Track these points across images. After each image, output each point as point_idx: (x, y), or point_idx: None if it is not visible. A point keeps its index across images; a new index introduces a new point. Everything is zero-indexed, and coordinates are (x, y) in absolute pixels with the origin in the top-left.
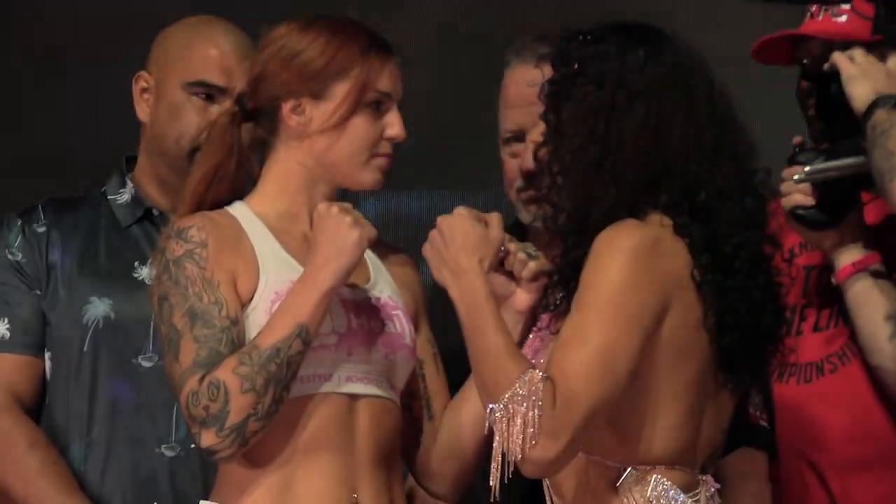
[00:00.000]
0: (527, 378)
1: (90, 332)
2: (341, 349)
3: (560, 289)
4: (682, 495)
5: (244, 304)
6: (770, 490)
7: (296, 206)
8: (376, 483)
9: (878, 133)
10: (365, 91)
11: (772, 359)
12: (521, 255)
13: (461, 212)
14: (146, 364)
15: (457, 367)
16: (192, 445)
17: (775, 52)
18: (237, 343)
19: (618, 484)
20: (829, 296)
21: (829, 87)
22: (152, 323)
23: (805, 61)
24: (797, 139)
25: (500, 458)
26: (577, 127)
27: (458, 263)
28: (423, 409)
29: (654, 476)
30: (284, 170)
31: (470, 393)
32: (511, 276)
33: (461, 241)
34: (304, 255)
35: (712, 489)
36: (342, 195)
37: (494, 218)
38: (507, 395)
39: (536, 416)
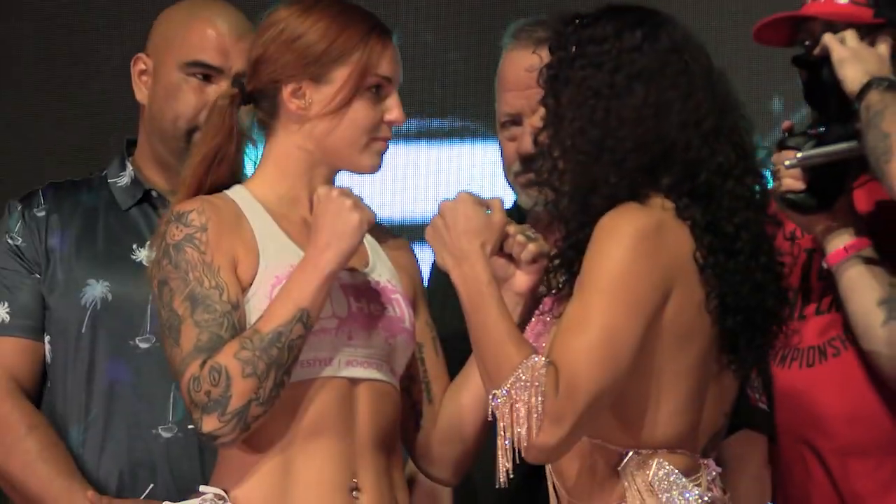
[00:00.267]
0: (529, 364)
1: (88, 313)
2: (341, 333)
3: (563, 272)
4: (683, 479)
5: (244, 289)
6: (769, 473)
7: (295, 190)
8: (376, 467)
9: (872, 114)
10: (365, 75)
11: (776, 340)
12: (521, 238)
13: (463, 196)
14: (143, 346)
15: (456, 351)
16: (190, 427)
17: (777, 33)
18: (238, 327)
19: (619, 468)
20: (831, 279)
21: (820, 71)
22: (149, 305)
23: (806, 43)
24: (787, 123)
25: (504, 445)
26: (577, 110)
27: (460, 248)
28: (423, 393)
29: (656, 460)
30: (284, 153)
31: (470, 376)
32: (510, 258)
33: (463, 225)
34: (304, 238)
35: (714, 473)
36: None
37: (497, 202)
38: (509, 382)
39: (539, 403)
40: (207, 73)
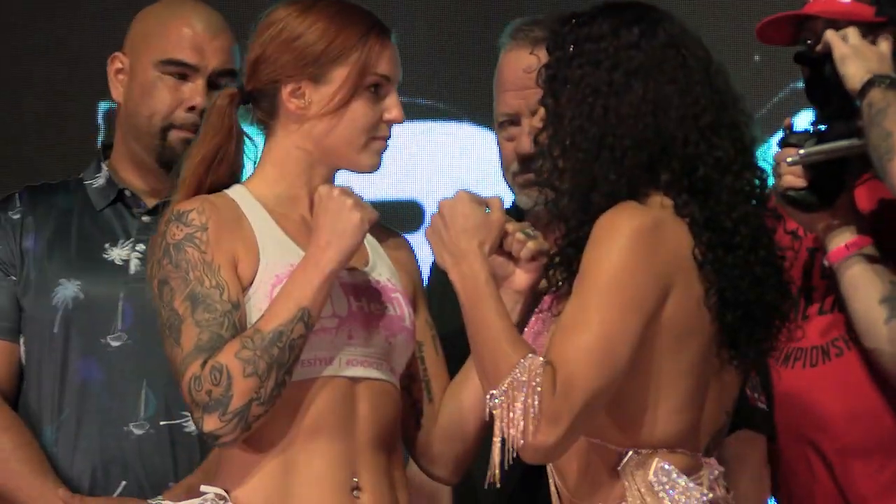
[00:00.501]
0: (527, 363)
1: (59, 313)
2: (341, 332)
3: (563, 270)
4: (683, 478)
5: (245, 288)
6: (769, 472)
7: (295, 189)
8: (377, 466)
9: (874, 112)
10: (364, 75)
11: (778, 334)
12: (520, 236)
13: (462, 195)
14: (115, 343)
15: (456, 349)
16: (161, 423)
17: (779, 32)
18: (239, 327)
19: (619, 467)
20: (833, 279)
21: (822, 69)
22: (120, 303)
23: (809, 41)
24: (788, 120)
25: (500, 445)
26: (576, 109)
27: (458, 247)
28: (423, 392)
29: (656, 459)
30: (283, 153)
31: (470, 374)
32: (510, 256)
33: (461, 223)
34: (304, 238)
35: (716, 471)
36: None
37: (496, 201)
38: (506, 381)
39: (536, 402)
40: (183, 72)
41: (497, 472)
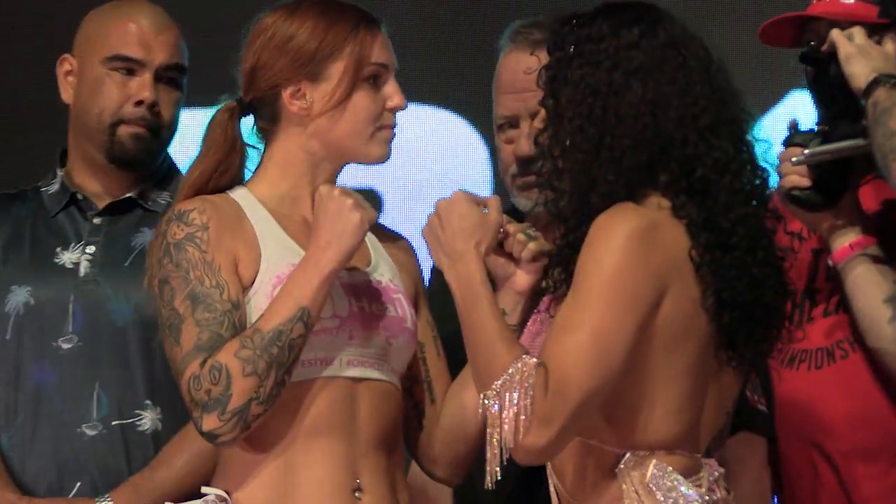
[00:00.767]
0: (520, 364)
1: (11, 320)
2: (342, 333)
3: (560, 270)
4: (681, 479)
5: (245, 288)
6: (769, 474)
7: (297, 190)
8: (378, 467)
9: (879, 111)
10: (361, 66)
11: (778, 335)
12: (521, 237)
13: (459, 195)
14: (66, 346)
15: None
16: (114, 423)
17: (782, 33)
18: (239, 326)
19: (616, 469)
20: (838, 281)
21: (826, 69)
22: (70, 305)
23: (811, 42)
24: (793, 120)
25: (494, 446)
26: (576, 109)
27: (454, 247)
28: (425, 393)
29: (653, 461)
30: (286, 155)
31: (471, 376)
32: (511, 257)
33: (458, 224)
34: (306, 238)
35: (716, 473)
36: None
37: (493, 201)
38: (499, 382)
39: (528, 403)
40: (130, 67)
41: (492, 473)
